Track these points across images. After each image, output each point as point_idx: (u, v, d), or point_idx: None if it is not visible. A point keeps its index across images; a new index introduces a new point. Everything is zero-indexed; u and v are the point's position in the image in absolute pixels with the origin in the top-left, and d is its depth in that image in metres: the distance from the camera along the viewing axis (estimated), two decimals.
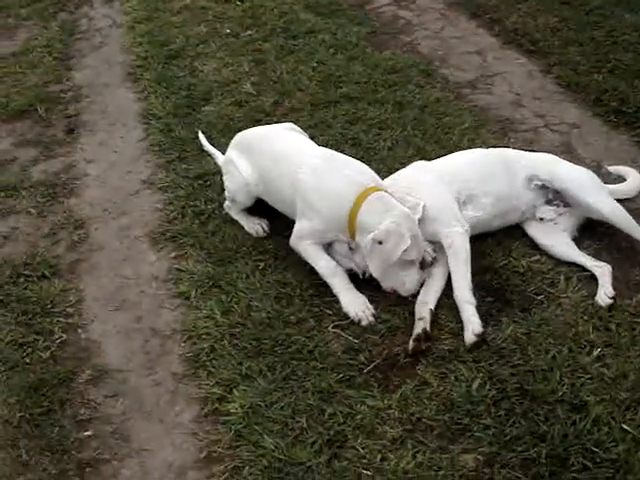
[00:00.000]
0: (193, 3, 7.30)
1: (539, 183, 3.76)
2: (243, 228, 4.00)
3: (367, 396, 2.97)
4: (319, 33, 6.32)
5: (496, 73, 5.62)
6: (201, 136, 4.71)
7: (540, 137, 4.69)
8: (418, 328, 3.20)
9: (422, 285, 3.41)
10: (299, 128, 4.12)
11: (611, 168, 4.18)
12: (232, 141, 4.06)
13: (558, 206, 3.78)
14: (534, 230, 3.78)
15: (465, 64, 5.79)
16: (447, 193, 3.60)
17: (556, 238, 3.71)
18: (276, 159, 3.72)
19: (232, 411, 2.95)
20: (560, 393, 2.88)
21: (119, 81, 6.03)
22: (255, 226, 3.96)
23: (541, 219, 3.77)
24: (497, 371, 3.01)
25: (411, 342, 3.15)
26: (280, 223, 3.85)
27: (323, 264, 3.49)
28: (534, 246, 3.72)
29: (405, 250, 3.20)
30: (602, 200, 3.69)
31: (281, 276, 3.65)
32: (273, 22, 6.63)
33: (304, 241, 3.54)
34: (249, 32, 6.52)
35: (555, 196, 3.78)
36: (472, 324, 3.17)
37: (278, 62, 5.87)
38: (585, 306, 3.33)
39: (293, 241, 3.60)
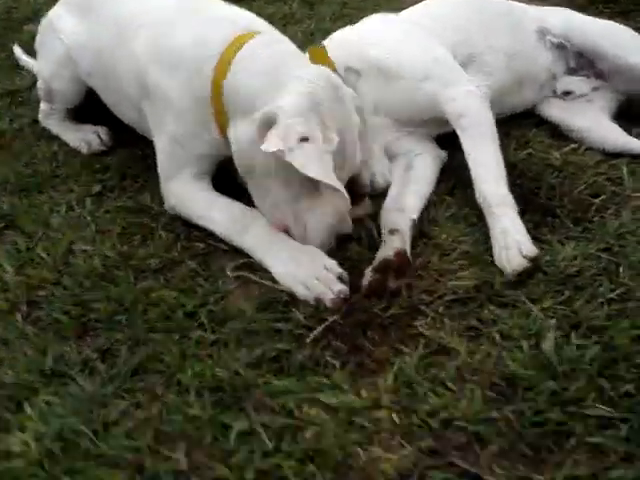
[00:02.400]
0: None
1: (554, 40, 2.30)
2: (68, 146, 2.29)
3: (326, 389, 1.32)
4: None
5: None
6: (17, 49, 3.09)
7: None
8: (388, 249, 1.62)
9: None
10: None
11: None
12: None
13: (588, 77, 2.30)
14: (558, 110, 2.30)
15: None
16: (437, 44, 2.06)
17: (594, 119, 2.24)
18: (117, 25, 2.05)
19: None
20: None
21: None
22: (87, 136, 2.29)
23: (567, 93, 2.30)
24: (583, 314, 1.43)
25: (367, 275, 1.59)
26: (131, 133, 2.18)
27: (218, 216, 1.79)
28: (559, 135, 2.21)
29: (310, 144, 1.54)
30: None
31: (132, 202, 1.97)
32: None
33: (174, 177, 1.86)
34: None
35: (579, 62, 2.33)
36: (518, 240, 1.63)
37: None
38: None
39: (163, 189, 1.91)
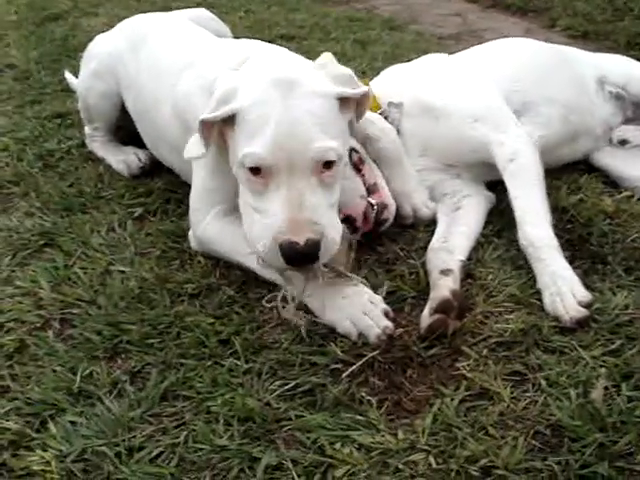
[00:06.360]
0: None
1: (612, 90, 2.25)
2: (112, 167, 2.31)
3: (360, 427, 1.26)
4: None
5: (484, 29, 4.19)
6: (68, 74, 3.14)
7: None
8: (442, 289, 1.55)
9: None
10: (215, 17, 2.54)
11: None
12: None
13: None
14: (611, 158, 2.24)
15: (441, 22, 4.37)
16: (490, 88, 2.03)
17: None
18: (154, 68, 2.11)
19: None
20: None
21: None
22: (128, 157, 2.31)
23: (622, 142, 2.23)
24: (636, 364, 1.36)
25: (426, 315, 1.51)
26: None
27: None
28: (612, 182, 2.15)
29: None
30: None
31: (174, 226, 1.95)
32: None
33: (207, 215, 1.79)
34: None
35: (636, 112, 2.26)
36: (570, 284, 1.58)
37: None
38: None
39: (193, 229, 1.85)
